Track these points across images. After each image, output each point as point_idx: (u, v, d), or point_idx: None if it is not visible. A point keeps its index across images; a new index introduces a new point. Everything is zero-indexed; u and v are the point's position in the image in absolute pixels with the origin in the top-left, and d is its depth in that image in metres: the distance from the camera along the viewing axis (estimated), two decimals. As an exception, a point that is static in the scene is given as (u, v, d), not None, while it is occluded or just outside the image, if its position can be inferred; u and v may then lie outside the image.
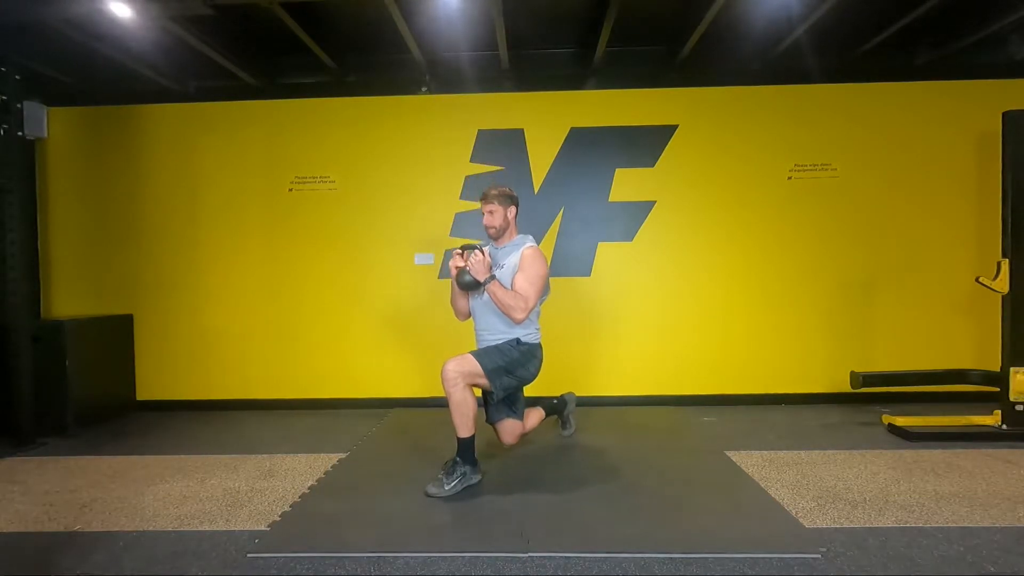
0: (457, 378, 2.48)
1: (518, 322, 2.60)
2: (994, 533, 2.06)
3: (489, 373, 2.56)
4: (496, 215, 2.72)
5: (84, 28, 3.29)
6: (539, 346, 2.77)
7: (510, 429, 2.79)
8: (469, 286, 2.65)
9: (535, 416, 3.00)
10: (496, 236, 2.77)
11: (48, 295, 4.16)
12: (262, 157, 4.10)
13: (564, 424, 3.33)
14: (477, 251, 2.58)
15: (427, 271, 4.03)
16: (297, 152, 4.09)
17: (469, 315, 2.83)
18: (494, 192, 2.73)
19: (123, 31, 3.28)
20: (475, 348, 2.73)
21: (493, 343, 2.69)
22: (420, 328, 4.01)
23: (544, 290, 2.74)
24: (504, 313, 2.60)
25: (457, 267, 2.63)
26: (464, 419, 2.50)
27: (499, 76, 4.07)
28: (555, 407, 3.25)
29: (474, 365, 2.54)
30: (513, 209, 2.77)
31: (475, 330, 2.80)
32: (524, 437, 2.90)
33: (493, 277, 2.59)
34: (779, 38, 3.60)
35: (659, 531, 2.11)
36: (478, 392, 2.63)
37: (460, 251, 2.63)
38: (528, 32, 3.73)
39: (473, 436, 2.54)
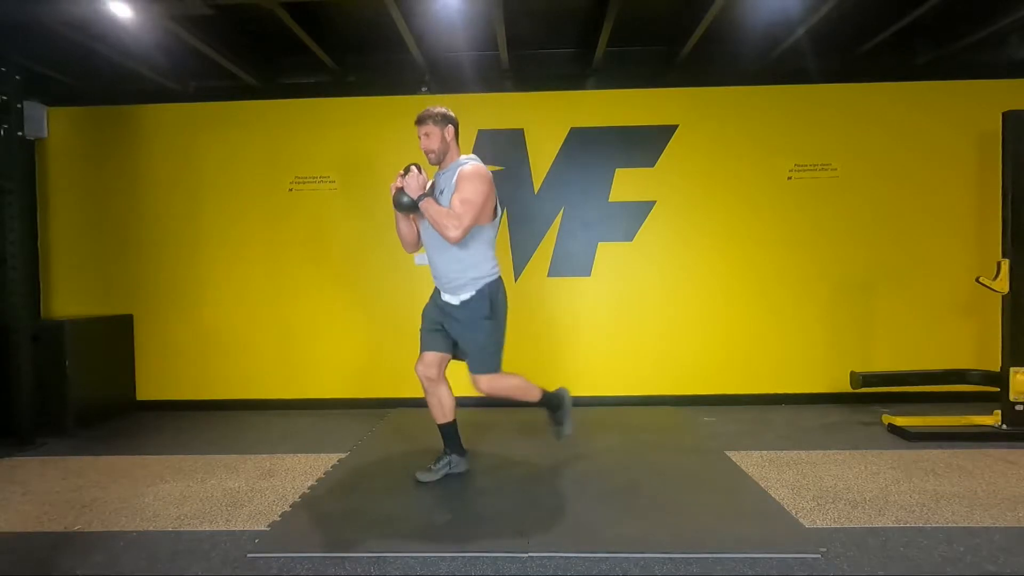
0: (489, 383, 2.57)
1: (451, 240, 2.41)
2: (994, 533, 2.06)
3: (496, 353, 2.57)
4: (433, 137, 2.54)
5: (84, 28, 3.28)
6: (500, 279, 2.60)
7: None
8: (405, 206, 2.52)
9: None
10: (437, 160, 2.60)
11: (48, 295, 4.16)
12: (262, 157, 4.10)
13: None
14: (412, 168, 2.48)
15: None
16: (297, 152, 4.09)
17: (417, 244, 2.72)
18: (429, 112, 2.54)
19: (123, 31, 3.28)
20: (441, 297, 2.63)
21: (451, 285, 2.56)
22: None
23: (493, 213, 2.57)
24: (439, 233, 2.45)
25: (396, 187, 2.52)
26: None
27: (499, 76, 4.07)
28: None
29: (501, 378, 2.60)
30: (451, 129, 2.57)
31: (429, 261, 2.65)
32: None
33: (427, 195, 2.47)
34: (779, 38, 3.60)
35: (659, 531, 2.11)
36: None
37: (401, 172, 2.53)
38: (528, 32, 3.73)
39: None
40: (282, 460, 3.00)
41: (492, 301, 2.55)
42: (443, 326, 2.63)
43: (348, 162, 4.08)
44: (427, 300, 2.76)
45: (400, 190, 2.51)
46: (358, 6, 3.33)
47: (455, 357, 2.69)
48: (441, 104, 3.99)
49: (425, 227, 2.60)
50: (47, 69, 3.82)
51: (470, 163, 2.54)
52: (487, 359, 2.56)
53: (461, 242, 2.47)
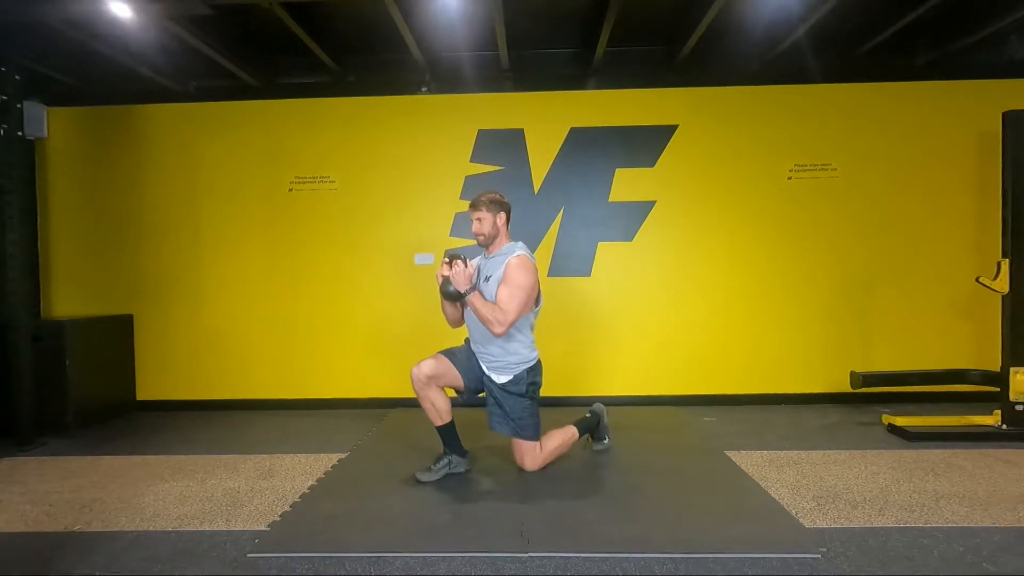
0: (534, 461, 2.67)
1: (497, 335, 2.53)
2: (994, 533, 2.06)
3: (535, 425, 2.66)
4: (485, 223, 2.63)
5: (84, 28, 3.28)
6: (538, 361, 2.72)
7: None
8: (451, 296, 2.61)
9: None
10: (486, 244, 2.69)
11: (48, 295, 4.16)
12: (262, 157, 4.10)
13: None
14: (459, 260, 2.53)
15: (427, 271, 4.03)
16: (297, 152, 4.09)
17: (461, 322, 2.80)
18: (483, 199, 2.63)
19: (123, 31, 3.28)
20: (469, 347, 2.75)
21: (491, 362, 2.66)
22: (420, 328, 4.00)
23: (535, 301, 2.66)
24: (484, 327, 2.55)
25: (443, 276, 2.59)
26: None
27: (499, 76, 4.07)
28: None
29: (538, 448, 2.67)
30: (503, 216, 2.66)
31: (471, 340, 2.76)
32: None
33: (474, 288, 2.54)
34: (779, 38, 3.60)
35: (659, 531, 2.11)
36: (451, 393, 2.71)
37: (447, 260, 2.58)
38: (528, 32, 3.73)
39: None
40: (282, 460, 3.00)
41: (530, 383, 2.65)
42: (474, 369, 2.69)
43: (348, 162, 4.08)
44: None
45: (446, 279, 2.57)
46: (358, 6, 3.33)
47: (459, 393, 2.73)
48: (441, 103, 4.00)
49: (469, 310, 2.66)
50: (47, 69, 3.82)
51: (517, 254, 2.61)
52: (526, 428, 2.64)
53: None
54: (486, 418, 2.70)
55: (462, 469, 2.72)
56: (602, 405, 3.12)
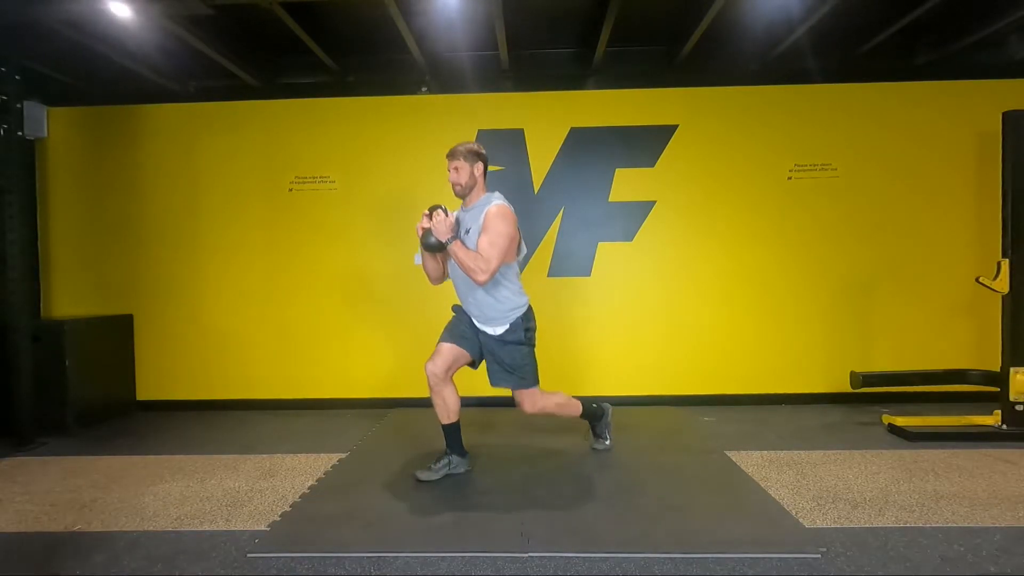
0: (533, 405, 2.70)
1: (480, 283, 2.51)
2: (994, 533, 2.06)
3: (534, 372, 2.69)
4: (462, 171, 2.61)
5: (84, 28, 3.28)
6: (529, 306, 2.72)
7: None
8: (433, 247, 2.59)
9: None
10: (463, 194, 2.67)
11: (48, 295, 4.16)
12: (262, 157, 4.10)
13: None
14: (440, 211, 2.52)
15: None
16: (297, 152, 4.09)
17: (443, 278, 2.78)
18: (460, 148, 2.62)
19: (123, 31, 3.28)
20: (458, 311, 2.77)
21: (483, 315, 2.64)
22: (420, 328, 4.00)
23: (517, 249, 2.66)
24: (466, 275, 2.53)
25: (423, 228, 2.58)
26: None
27: (499, 76, 4.07)
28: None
29: (538, 393, 2.72)
30: (480, 165, 2.64)
31: (459, 295, 2.73)
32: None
33: (455, 238, 2.52)
34: (779, 38, 3.60)
35: (659, 531, 2.11)
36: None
37: (427, 212, 2.57)
38: (528, 32, 3.73)
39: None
40: (282, 460, 3.00)
41: (526, 329, 2.66)
42: (472, 337, 2.69)
43: (348, 162, 4.08)
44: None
45: (427, 231, 2.57)
46: (358, 6, 3.33)
47: (471, 365, 2.74)
48: (441, 103, 4.00)
49: (453, 264, 2.66)
50: (47, 69, 3.82)
51: (495, 203, 2.59)
52: (527, 376, 2.67)
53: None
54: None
55: (462, 470, 2.72)
56: (610, 406, 3.14)
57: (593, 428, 3.08)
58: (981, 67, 3.87)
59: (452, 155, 2.64)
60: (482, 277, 2.49)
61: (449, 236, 2.51)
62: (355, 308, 4.10)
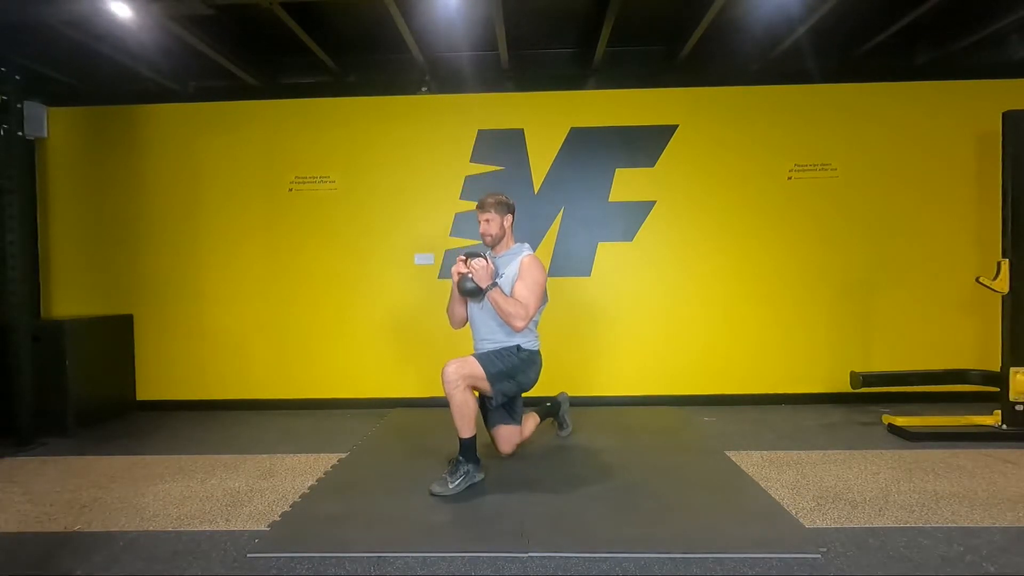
0: (458, 380, 2.50)
1: (518, 330, 2.62)
2: (994, 533, 2.06)
3: (491, 377, 2.60)
4: (493, 223, 2.73)
5: (84, 28, 3.29)
6: (538, 353, 2.80)
7: (507, 436, 2.79)
8: (471, 293, 2.65)
9: (531, 422, 2.99)
10: (492, 244, 2.79)
11: (48, 295, 4.16)
12: (262, 157, 4.10)
13: (561, 425, 3.31)
14: (481, 257, 2.60)
15: (427, 271, 4.03)
16: (297, 152, 4.09)
17: (464, 323, 2.85)
18: (491, 200, 2.73)
19: (123, 31, 3.28)
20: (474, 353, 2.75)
21: (493, 350, 2.70)
22: (420, 328, 4.01)
23: (543, 298, 2.75)
24: (505, 321, 2.61)
25: (460, 273, 2.63)
26: (465, 420, 2.53)
27: (499, 76, 4.07)
28: (549, 410, 3.25)
29: (476, 367, 2.58)
30: (510, 217, 2.78)
31: (474, 339, 2.81)
32: (520, 446, 2.90)
33: (495, 284, 2.60)
34: (779, 38, 3.60)
35: (659, 531, 2.11)
36: (477, 394, 2.66)
37: (463, 257, 2.63)
38: (528, 32, 3.73)
39: (474, 436, 2.57)
40: (282, 460, 3.00)
41: (524, 360, 2.71)
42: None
43: (348, 162, 4.08)
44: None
45: (464, 276, 2.61)
46: (358, 6, 3.33)
47: (489, 399, 2.72)
48: (441, 103, 4.01)
49: (472, 307, 2.77)
50: (47, 69, 3.82)
51: (526, 252, 2.75)
52: (489, 366, 2.61)
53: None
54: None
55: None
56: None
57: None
58: (981, 67, 3.87)
59: (482, 207, 2.73)
60: (520, 323, 2.58)
61: (490, 282, 2.58)
62: (355, 308, 4.10)
